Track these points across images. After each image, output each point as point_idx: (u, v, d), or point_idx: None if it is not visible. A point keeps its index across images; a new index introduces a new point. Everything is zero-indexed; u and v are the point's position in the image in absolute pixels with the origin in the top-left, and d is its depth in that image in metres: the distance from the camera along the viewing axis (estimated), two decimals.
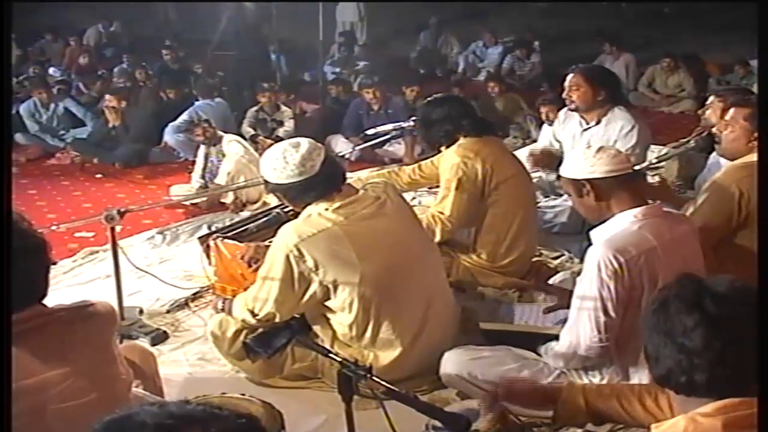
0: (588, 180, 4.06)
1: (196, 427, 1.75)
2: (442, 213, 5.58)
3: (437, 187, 6.00)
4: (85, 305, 3.24)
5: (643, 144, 6.51)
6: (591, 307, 3.93)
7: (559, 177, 4.44)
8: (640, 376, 3.98)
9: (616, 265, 3.82)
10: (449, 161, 5.66)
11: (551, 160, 6.82)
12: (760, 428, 2.23)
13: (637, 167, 4.16)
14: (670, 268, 3.82)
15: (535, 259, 6.16)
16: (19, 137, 11.90)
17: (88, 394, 3.05)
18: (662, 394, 3.42)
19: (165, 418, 1.76)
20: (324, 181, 4.43)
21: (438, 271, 4.85)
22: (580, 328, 4.01)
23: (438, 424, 3.15)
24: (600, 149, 4.09)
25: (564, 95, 6.70)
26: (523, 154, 7.05)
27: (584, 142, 6.63)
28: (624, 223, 3.99)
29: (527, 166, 6.45)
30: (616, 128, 6.52)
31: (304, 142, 4.47)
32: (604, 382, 4.08)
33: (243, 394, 3.80)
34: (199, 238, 6.34)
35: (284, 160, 4.35)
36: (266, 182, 4.54)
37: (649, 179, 6.93)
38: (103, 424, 1.81)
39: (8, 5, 4.79)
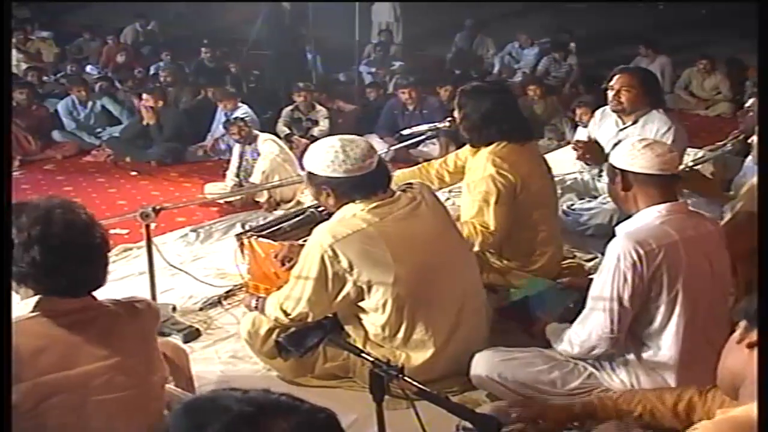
0: (621, 170, 4.07)
1: (279, 418, 1.76)
2: (485, 227, 5.50)
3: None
4: (133, 301, 3.31)
5: (679, 146, 6.44)
6: (607, 298, 3.95)
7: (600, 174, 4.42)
8: (662, 375, 3.99)
9: (635, 256, 3.84)
10: (482, 171, 5.56)
11: (596, 153, 6.78)
12: (760, 428, 2.22)
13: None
14: (693, 266, 3.88)
15: (568, 261, 6.13)
16: (55, 134, 12.00)
17: (128, 388, 3.10)
18: (698, 398, 3.41)
19: (248, 405, 1.77)
20: (375, 181, 4.42)
21: (472, 272, 4.82)
22: (593, 318, 4.04)
23: (468, 425, 3.13)
24: (648, 145, 4.06)
25: (611, 96, 6.61)
26: (555, 156, 7.03)
27: (620, 142, 6.60)
28: (647, 218, 4.01)
29: (574, 156, 6.52)
30: (653, 130, 6.45)
31: (361, 139, 4.46)
32: (631, 380, 4.08)
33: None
34: (236, 235, 6.35)
35: (344, 154, 4.30)
36: (314, 176, 4.44)
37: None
38: (185, 404, 1.82)
39: (8, 5, 4.81)
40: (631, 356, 4.10)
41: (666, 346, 3.99)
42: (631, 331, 4.03)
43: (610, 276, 3.92)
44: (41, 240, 2.95)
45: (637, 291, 3.88)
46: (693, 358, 3.92)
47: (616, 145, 6.29)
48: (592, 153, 6.78)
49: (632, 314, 3.95)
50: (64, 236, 2.99)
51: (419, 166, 6.52)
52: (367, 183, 4.37)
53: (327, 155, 4.33)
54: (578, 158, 6.85)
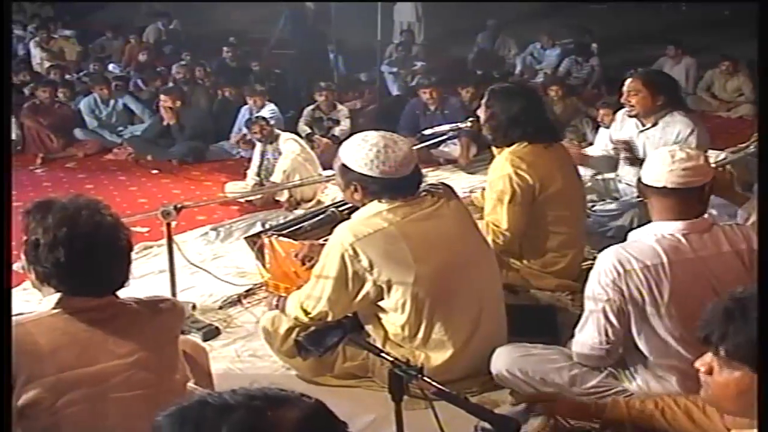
0: (639, 179, 4.07)
1: (287, 408, 1.76)
2: (497, 225, 5.52)
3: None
4: (157, 300, 3.34)
5: (701, 149, 6.42)
6: (595, 310, 3.96)
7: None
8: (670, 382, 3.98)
9: (615, 274, 3.84)
10: (500, 170, 5.57)
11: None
12: (760, 428, 2.22)
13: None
14: (684, 289, 3.82)
15: (589, 262, 6.10)
16: (77, 132, 12.05)
17: (147, 386, 3.12)
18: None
19: (252, 399, 1.77)
20: (407, 185, 4.41)
21: (492, 274, 4.80)
22: (586, 330, 4.06)
23: (487, 425, 3.12)
24: (670, 156, 3.94)
25: (623, 100, 6.64)
26: None
27: (641, 143, 6.60)
28: (644, 235, 3.98)
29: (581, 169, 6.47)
30: (674, 132, 6.44)
31: (403, 141, 4.44)
32: (646, 384, 4.06)
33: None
34: (253, 235, 6.35)
35: (385, 155, 4.28)
36: (347, 169, 4.39)
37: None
38: (172, 416, 1.81)
39: (8, 5, 4.83)
40: (639, 363, 4.09)
41: (662, 357, 3.97)
42: (628, 341, 4.02)
43: (595, 289, 3.94)
44: (67, 241, 2.97)
45: (621, 307, 3.88)
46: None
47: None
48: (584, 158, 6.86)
49: (622, 328, 3.93)
50: (90, 238, 3.01)
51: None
52: (398, 186, 4.36)
53: (368, 152, 4.30)
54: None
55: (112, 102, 12.43)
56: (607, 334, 3.95)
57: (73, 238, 2.98)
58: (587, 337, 4.05)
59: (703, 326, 2.59)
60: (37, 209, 3.08)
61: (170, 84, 13.50)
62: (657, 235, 3.91)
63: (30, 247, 3.05)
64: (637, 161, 6.62)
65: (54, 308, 3.04)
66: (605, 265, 3.88)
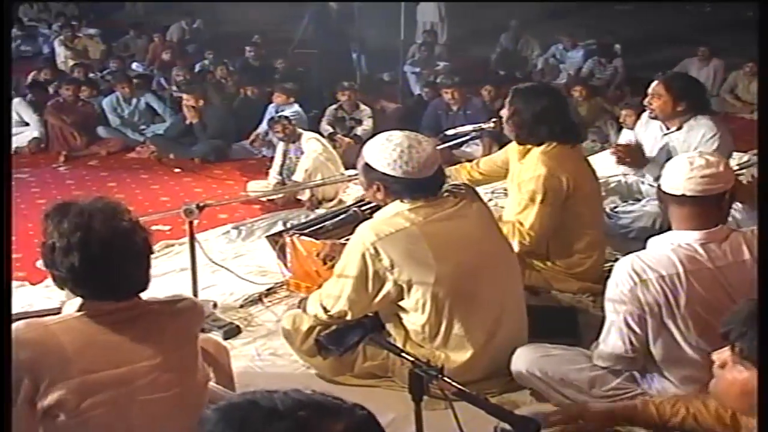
0: (658, 187, 4.03)
1: (332, 420, 1.75)
2: (522, 225, 5.51)
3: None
4: (177, 300, 3.34)
5: (724, 153, 6.36)
6: (616, 320, 3.96)
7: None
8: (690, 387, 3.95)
9: (631, 283, 3.83)
10: (534, 170, 5.54)
11: (637, 157, 6.75)
12: (760, 428, 2.22)
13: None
14: (701, 298, 3.80)
15: (610, 264, 6.08)
16: (100, 130, 12.08)
17: (172, 388, 3.13)
18: None
19: (300, 408, 1.76)
20: (430, 185, 4.40)
21: (513, 275, 4.78)
22: (610, 338, 4.05)
23: (507, 426, 3.12)
24: (689, 163, 3.88)
25: (645, 102, 6.62)
26: (599, 158, 7.00)
27: (664, 147, 6.56)
28: (660, 244, 3.97)
29: (613, 161, 6.56)
30: (698, 135, 6.41)
31: (428, 142, 4.43)
32: (664, 387, 4.05)
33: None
34: (275, 234, 6.35)
35: (409, 155, 4.27)
36: (370, 168, 4.39)
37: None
38: (222, 411, 1.80)
39: (8, 5, 4.84)
40: (656, 368, 4.08)
41: (679, 366, 3.96)
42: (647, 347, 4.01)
43: (613, 300, 3.94)
44: (80, 247, 2.97)
45: (640, 315, 3.87)
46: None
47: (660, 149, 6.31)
48: (632, 156, 6.77)
49: (644, 335, 3.92)
50: (104, 244, 3.01)
51: (453, 167, 6.50)
52: (421, 186, 4.35)
53: (391, 152, 4.29)
54: (618, 162, 6.84)
55: (134, 100, 12.47)
56: (631, 342, 3.95)
57: (86, 243, 2.98)
58: (612, 346, 4.04)
59: (726, 322, 2.66)
60: (54, 212, 3.09)
61: (193, 83, 13.51)
62: (674, 244, 3.89)
63: (47, 251, 3.05)
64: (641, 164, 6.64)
65: (78, 311, 3.05)
66: (622, 275, 3.88)
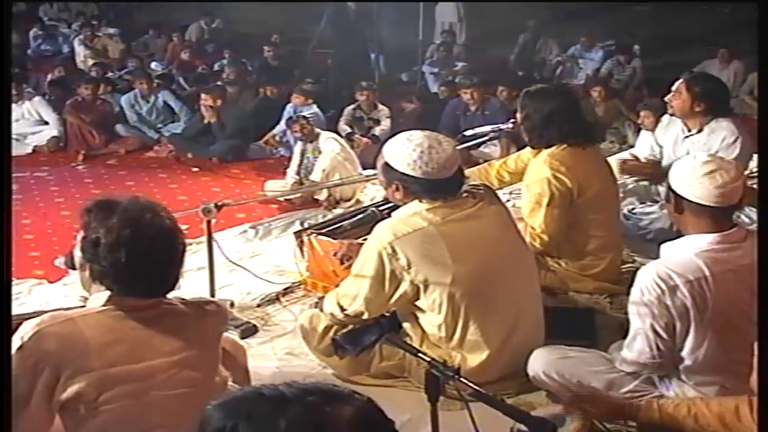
0: (675, 193, 3.97)
1: (341, 405, 1.77)
2: (533, 228, 5.50)
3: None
4: (203, 302, 3.39)
5: (745, 157, 6.35)
6: (642, 327, 3.94)
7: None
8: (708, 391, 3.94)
9: (659, 290, 3.81)
10: (539, 173, 5.54)
11: (656, 170, 6.76)
12: (761, 427, 2.21)
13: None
14: (727, 300, 3.79)
15: (628, 265, 6.06)
16: (119, 128, 12.10)
17: (190, 386, 3.15)
18: (743, 406, 3.39)
19: (308, 394, 1.77)
20: (448, 186, 4.40)
21: (530, 276, 4.78)
22: (636, 344, 4.02)
23: (523, 428, 3.11)
24: (710, 173, 3.83)
25: (667, 99, 6.60)
26: (617, 159, 7.00)
27: (685, 149, 6.53)
28: (683, 248, 3.93)
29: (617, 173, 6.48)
30: (719, 138, 6.39)
31: (448, 143, 4.43)
32: (683, 392, 4.04)
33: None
34: (295, 233, 6.36)
35: (428, 156, 4.27)
36: (390, 168, 4.40)
37: None
38: (223, 406, 1.81)
39: (8, 5, 4.85)
40: (676, 370, 4.06)
41: (704, 368, 3.94)
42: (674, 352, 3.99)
43: (639, 308, 3.92)
44: (129, 242, 3.00)
45: (667, 322, 3.85)
46: (737, 381, 3.83)
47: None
48: (650, 170, 6.82)
49: (671, 339, 3.90)
50: (151, 241, 3.05)
51: (480, 166, 6.50)
52: (440, 187, 4.35)
53: (411, 153, 4.30)
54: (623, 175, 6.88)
55: (152, 98, 12.47)
56: (658, 348, 3.93)
57: (136, 239, 3.00)
58: (638, 352, 4.02)
59: None
60: (99, 208, 3.11)
61: (211, 82, 13.54)
62: (696, 248, 3.87)
63: (89, 245, 3.07)
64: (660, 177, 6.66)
65: (103, 305, 3.07)
66: (647, 282, 3.85)
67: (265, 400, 1.76)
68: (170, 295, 3.23)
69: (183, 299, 3.29)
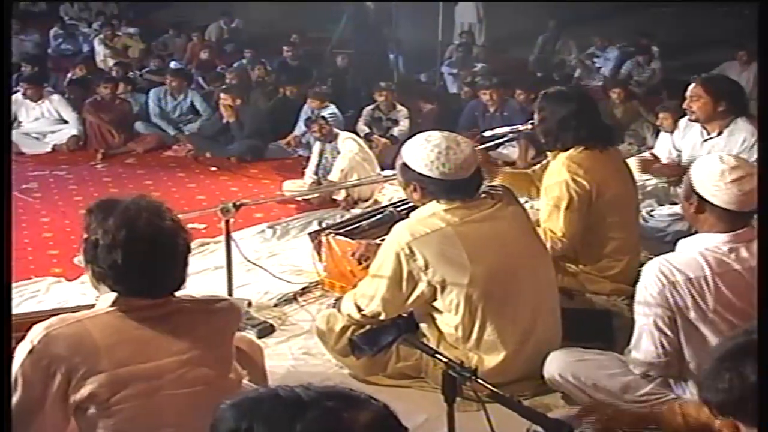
0: (699, 195, 3.94)
1: (358, 410, 1.77)
2: (553, 231, 5.47)
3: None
4: (213, 300, 3.38)
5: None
6: (647, 324, 3.94)
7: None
8: None
9: (660, 286, 3.82)
10: (557, 176, 5.49)
11: (678, 171, 6.74)
12: (761, 427, 2.18)
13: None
14: (732, 299, 3.79)
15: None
16: (138, 125, 12.14)
17: (202, 384, 3.15)
18: None
19: (326, 398, 1.77)
20: (466, 187, 4.40)
21: (548, 278, 4.78)
22: (642, 343, 4.02)
23: (539, 429, 3.11)
24: (738, 179, 3.82)
25: (684, 105, 6.57)
26: (636, 161, 6.98)
27: (704, 153, 6.49)
28: (690, 246, 3.95)
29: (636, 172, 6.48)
30: (738, 140, 6.36)
31: (466, 144, 4.42)
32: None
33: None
34: (311, 233, 6.36)
35: (446, 157, 4.28)
36: (407, 168, 4.41)
37: None
38: (237, 407, 1.81)
39: (8, 5, 4.86)
40: (689, 372, 4.04)
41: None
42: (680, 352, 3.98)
43: (642, 304, 3.93)
44: (125, 244, 2.99)
45: (670, 316, 3.85)
46: None
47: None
48: (671, 171, 6.78)
49: (675, 336, 3.89)
50: (149, 242, 3.03)
51: (526, 171, 6.46)
52: (457, 188, 4.36)
53: (428, 153, 4.30)
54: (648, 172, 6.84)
55: (180, 97, 12.50)
56: (663, 345, 3.92)
57: (131, 241, 3.00)
58: (644, 352, 4.01)
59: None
60: (98, 209, 3.11)
61: (230, 82, 13.56)
62: (701, 247, 3.88)
63: (89, 246, 3.07)
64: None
65: (110, 306, 3.07)
66: (650, 278, 3.88)
67: (282, 403, 1.76)
68: (179, 294, 3.22)
69: (192, 297, 3.29)
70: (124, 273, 3.02)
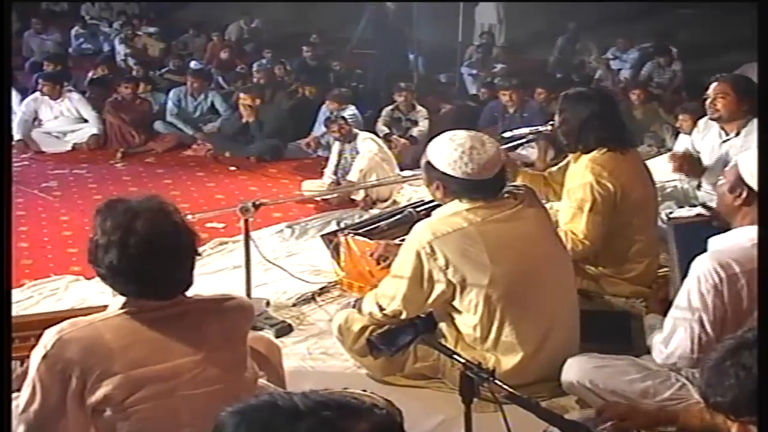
0: (750, 187, 3.89)
1: (356, 420, 1.76)
2: (575, 234, 5.44)
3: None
4: (225, 299, 3.35)
5: None
6: (689, 319, 3.84)
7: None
8: None
9: (716, 279, 3.71)
10: (581, 178, 5.48)
11: (694, 166, 6.69)
12: (761, 427, 2.17)
13: None
14: None
15: (665, 269, 6.01)
16: (158, 125, 12.18)
17: (216, 383, 3.14)
18: None
19: (323, 408, 1.76)
20: (490, 187, 4.38)
21: (568, 280, 4.76)
22: (676, 337, 3.93)
23: (556, 431, 3.09)
24: None
25: (708, 104, 6.53)
26: (655, 163, 6.94)
27: (723, 153, 6.47)
28: (740, 237, 3.84)
29: (670, 167, 6.54)
30: (756, 140, 6.32)
31: (491, 144, 4.41)
32: None
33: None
34: (329, 233, 6.37)
35: (470, 157, 4.27)
36: (431, 167, 4.40)
37: None
38: (238, 414, 1.82)
39: (8, 5, 4.87)
40: None
41: None
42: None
43: (692, 297, 3.82)
44: (119, 246, 2.99)
45: (718, 315, 3.77)
46: None
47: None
48: (690, 166, 6.70)
49: (716, 336, 3.82)
50: (143, 243, 3.01)
51: (542, 173, 6.45)
52: (480, 188, 4.34)
53: (452, 153, 4.30)
54: (674, 170, 6.78)
55: (200, 97, 12.54)
56: (700, 343, 3.82)
57: (125, 242, 2.99)
58: (677, 347, 3.93)
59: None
60: (102, 210, 3.11)
61: (250, 82, 13.59)
62: (751, 239, 3.77)
63: (92, 247, 3.08)
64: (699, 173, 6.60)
65: (121, 308, 3.08)
66: (704, 271, 3.75)
67: (280, 412, 1.76)
68: (190, 293, 3.22)
69: (204, 297, 3.28)
70: (120, 274, 3.03)
